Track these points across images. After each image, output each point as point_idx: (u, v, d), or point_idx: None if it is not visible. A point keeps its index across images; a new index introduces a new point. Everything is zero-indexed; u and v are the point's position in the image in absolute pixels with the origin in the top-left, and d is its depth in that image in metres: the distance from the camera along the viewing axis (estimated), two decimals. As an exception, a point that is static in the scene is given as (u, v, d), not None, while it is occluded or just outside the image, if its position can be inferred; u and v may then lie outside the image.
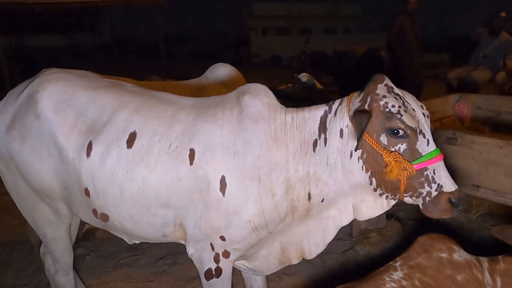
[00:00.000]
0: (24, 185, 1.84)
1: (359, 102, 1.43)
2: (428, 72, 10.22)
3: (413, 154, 1.36)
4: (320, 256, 1.74)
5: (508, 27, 5.49)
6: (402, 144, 1.36)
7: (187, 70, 6.04)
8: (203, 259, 1.67)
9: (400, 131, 1.35)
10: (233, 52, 24.36)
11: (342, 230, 1.70)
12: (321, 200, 1.55)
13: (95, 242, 3.13)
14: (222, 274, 1.67)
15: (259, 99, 1.59)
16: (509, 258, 1.41)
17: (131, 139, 1.61)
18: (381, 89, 1.40)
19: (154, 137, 1.60)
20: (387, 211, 1.58)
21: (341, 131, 1.46)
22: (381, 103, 1.38)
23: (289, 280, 2.61)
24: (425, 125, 1.40)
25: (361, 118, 1.36)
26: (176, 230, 1.69)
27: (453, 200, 1.36)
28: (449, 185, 1.37)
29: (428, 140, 1.38)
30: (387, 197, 1.48)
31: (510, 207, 2.33)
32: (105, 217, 1.72)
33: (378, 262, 1.58)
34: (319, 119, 1.53)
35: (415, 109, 1.40)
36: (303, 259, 1.73)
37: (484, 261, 1.44)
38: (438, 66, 12.81)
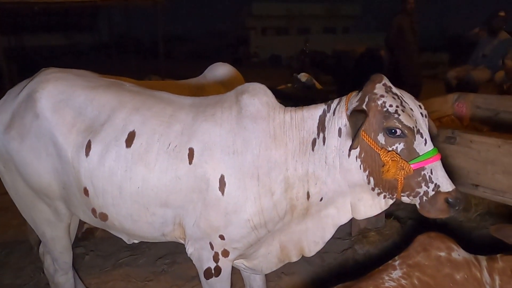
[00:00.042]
0: (23, 185, 1.83)
1: (357, 101, 1.43)
2: (427, 71, 10.22)
3: (410, 154, 1.37)
4: (319, 255, 1.75)
5: (507, 26, 5.49)
6: (399, 144, 1.37)
7: (186, 69, 6.04)
8: (202, 258, 1.67)
9: (398, 130, 1.35)
10: (233, 52, 24.34)
11: (341, 229, 1.70)
12: (319, 199, 1.56)
13: (94, 242, 3.13)
14: (222, 273, 1.67)
15: (258, 98, 1.59)
16: (507, 257, 1.41)
17: (130, 138, 1.61)
18: (379, 89, 1.41)
19: (153, 136, 1.60)
20: (386, 210, 1.58)
21: (340, 130, 1.46)
22: (379, 102, 1.38)
23: (288, 279, 2.61)
24: (423, 125, 1.40)
25: (357, 117, 1.36)
26: (175, 229, 1.69)
27: (450, 200, 1.36)
28: (446, 185, 1.37)
29: (425, 140, 1.38)
30: (385, 197, 1.48)
31: (508, 206, 2.33)
32: (104, 217, 1.72)
33: (377, 261, 1.58)
34: (318, 118, 1.53)
35: (413, 108, 1.40)
36: (302, 258, 1.73)
37: (483, 259, 1.44)
38: (437, 66, 12.82)
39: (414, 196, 1.41)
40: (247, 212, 1.53)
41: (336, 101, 1.53)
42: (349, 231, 3.10)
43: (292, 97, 4.98)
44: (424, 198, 1.39)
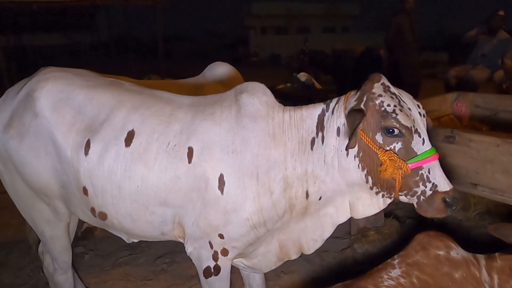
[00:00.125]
0: (22, 184, 1.83)
1: (355, 101, 1.43)
2: (427, 71, 10.23)
3: (408, 153, 1.37)
4: (318, 254, 1.75)
5: (507, 26, 5.49)
6: (397, 143, 1.37)
7: (185, 69, 6.04)
8: (201, 257, 1.67)
9: (395, 130, 1.35)
10: (232, 51, 24.33)
11: (341, 228, 1.71)
12: (318, 198, 1.56)
13: (93, 241, 3.13)
14: (221, 272, 1.67)
15: (257, 97, 1.59)
16: (506, 256, 1.41)
17: (129, 138, 1.61)
18: (377, 88, 1.41)
19: (152, 135, 1.60)
20: (385, 209, 1.58)
21: (338, 129, 1.47)
22: (377, 102, 1.38)
23: (287, 278, 2.62)
24: (421, 125, 1.40)
25: (354, 117, 1.36)
26: (174, 228, 1.69)
27: (447, 199, 1.36)
28: (444, 185, 1.37)
29: (423, 139, 1.38)
30: (383, 196, 1.49)
31: (507, 205, 2.33)
32: (103, 216, 1.72)
33: (376, 260, 1.58)
34: (316, 117, 1.53)
35: (411, 108, 1.40)
36: (302, 257, 1.73)
37: (481, 258, 1.44)
38: (437, 65, 12.82)
39: (412, 196, 1.41)
40: (246, 211, 1.53)
41: (335, 100, 1.53)
42: (348, 230, 3.11)
43: (291, 97, 4.98)
44: (422, 197, 1.39)
